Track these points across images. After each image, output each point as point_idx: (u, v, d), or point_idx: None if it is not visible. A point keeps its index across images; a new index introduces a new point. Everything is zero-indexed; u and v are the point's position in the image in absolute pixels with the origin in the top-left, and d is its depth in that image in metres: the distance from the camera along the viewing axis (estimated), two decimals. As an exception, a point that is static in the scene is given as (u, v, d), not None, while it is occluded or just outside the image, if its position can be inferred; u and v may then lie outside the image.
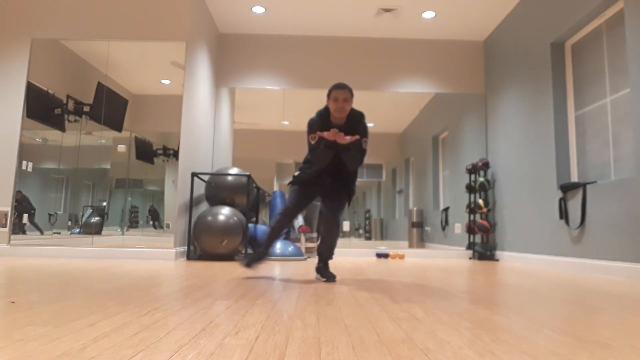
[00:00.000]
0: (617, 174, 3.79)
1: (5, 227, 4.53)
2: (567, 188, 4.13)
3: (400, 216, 6.09)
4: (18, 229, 4.54)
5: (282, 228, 2.97)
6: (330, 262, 4.71)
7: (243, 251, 4.77)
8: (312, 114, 6.15)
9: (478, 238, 6.04)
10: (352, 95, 2.81)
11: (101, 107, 4.74)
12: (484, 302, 2.04)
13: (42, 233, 4.55)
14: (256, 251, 3.00)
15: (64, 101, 4.74)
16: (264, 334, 1.33)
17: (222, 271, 3.38)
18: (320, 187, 2.98)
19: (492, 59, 6.04)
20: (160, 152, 4.69)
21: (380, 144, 6.19)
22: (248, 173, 4.98)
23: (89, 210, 4.64)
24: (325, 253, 2.99)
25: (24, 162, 4.66)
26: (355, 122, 2.86)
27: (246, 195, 4.99)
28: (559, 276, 3.52)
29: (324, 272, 2.93)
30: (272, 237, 2.97)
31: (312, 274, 3.29)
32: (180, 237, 4.66)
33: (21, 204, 4.56)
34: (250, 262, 2.98)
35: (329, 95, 2.82)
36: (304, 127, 6.19)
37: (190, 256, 4.76)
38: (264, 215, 6.05)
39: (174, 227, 4.57)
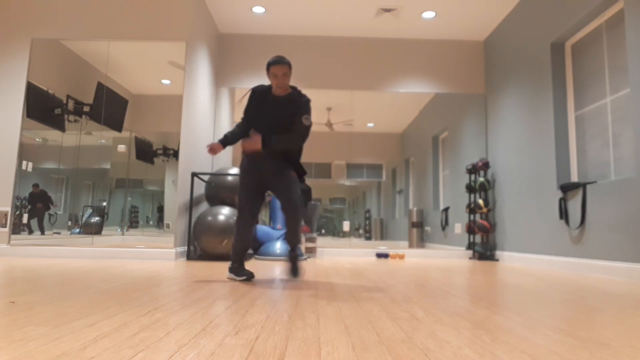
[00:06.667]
0: (617, 174, 3.79)
1: (5, 227, 4.53)
2: (567, 188, 4.13)
3: (400, 216, 6.09)
4: (38, 223, 4.53)
5: (243, 243, 2.86)
6: (330, 262, 4.71)
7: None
8: (312, 113, 6.16)
9: (478, 238, 6.04)
10: (290, 68, 2.84)
11: (101, 107, 4.73)
12: (484, 302, 2.04)
13: (42, 233, 4.55)
14: (238, 269, 2.88)
15: (64, 101, 4.74)
16: (264, 334, 1.33)
17: (222, 271, 3.38)
18: (264, 175, 2.87)
19: (492, 59, 6.04)
20: (160, 152, 4.69)
21: (380, 144, 6.19)
22: (248, 173, 4.97)
23: (89, 210, 4.64)
24: (292, 240, 2.88)
25: (24, 162, 4.66)
26: (295, 98, 2.87)
27: (246, 195, 4.98)
28: (559, 276, 3.52)
29: (292, 267, 2.86)
30: (236, 252, 2.87)
31: (312, 274, 3.29)
32: (180, 237, 4.66)
33: (37, 198, 4.56)
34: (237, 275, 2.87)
35: (268, 71, 2.84)
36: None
37: (190, 256, 4.76)
38: (264, 215, 6.05)
39: (174, 227, 4.57)
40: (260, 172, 2.86)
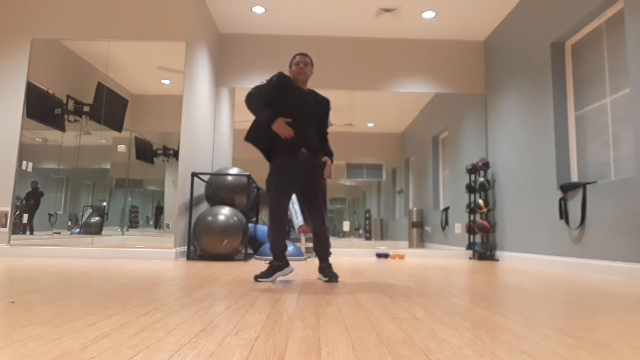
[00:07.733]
0: (617, 174, 3.79)
1: (5, 227, 4.53)
2: (567, 188, 4.13)
3: (400, 216, 6.09)
4: (27, 223, 4.53)
5: (280, 238, 2.82)
6: (332, 261, 4.70)
7: (243, 251, 4.77)
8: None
9: (478, 238, 6.03)
10: (312, 63, 3.03)
11: (101, 107, 4.73)
12: (484, 302, 2.04)
13: (31, 233, 4.54)
14: (271, 265, 2.84)
15: (64, 101, 4.74)
16: (264, 334, 1.33)
17: (222, 271, 3.38)
18: (298, 170, 2.87)
19: (492, 59, 6.04)
20: (160, 152, 4.69)
21: (380, 144, 6.19)
22: (248, 173, 4.98)
23: (89, 210, 4.64)
24: (321, 251, 2.96)
25: (24, 162, 4.65)
26: (320, 99, 3.04)
27: (246, 195, 4.99)
28: (559, 276, 3.52)
29: (327, 272, 2.90)
30: (275, 249, 2.84)
31: (312, 274, 3.29)
32: (180, 237, 4.66)
33: (28, 195, 4.56)
34: (262, 276, 2.81)
35: (291, 64, 3.02)
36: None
37: (190, 256, 4.76)
38: (263, 215, 6.05)
39: (174, 227, 4.57)
40: (297, 170, 2.86)
